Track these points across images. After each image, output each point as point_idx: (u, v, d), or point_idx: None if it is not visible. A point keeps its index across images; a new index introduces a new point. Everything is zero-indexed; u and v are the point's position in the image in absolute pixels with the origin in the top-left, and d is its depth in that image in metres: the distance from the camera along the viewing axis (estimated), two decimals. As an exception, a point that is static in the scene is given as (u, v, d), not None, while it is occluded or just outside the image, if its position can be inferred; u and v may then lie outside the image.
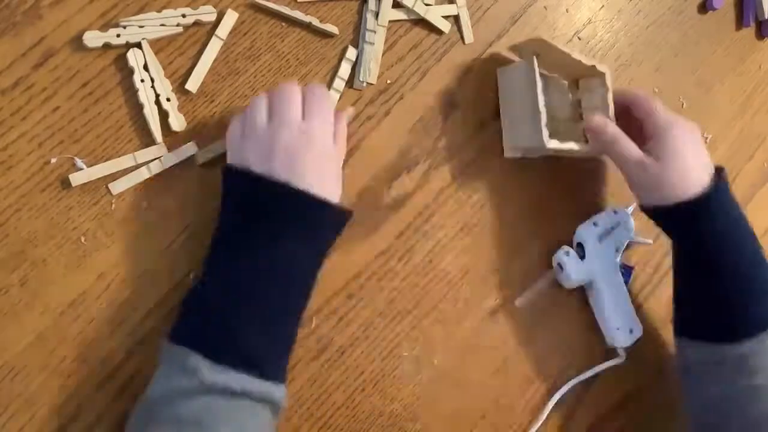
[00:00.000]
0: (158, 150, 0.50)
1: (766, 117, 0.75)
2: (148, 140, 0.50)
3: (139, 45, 0.49)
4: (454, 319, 0.58)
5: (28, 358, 0.47)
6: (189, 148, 0.50)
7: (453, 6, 0.59)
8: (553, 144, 0.55)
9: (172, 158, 0.50)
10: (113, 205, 0.49)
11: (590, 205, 0.64)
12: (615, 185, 0.66)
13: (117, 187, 0.49)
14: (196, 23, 0.51)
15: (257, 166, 0.45)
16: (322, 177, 0.46)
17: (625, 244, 0.63)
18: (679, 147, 0.53)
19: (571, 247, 0.61)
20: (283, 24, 0.54)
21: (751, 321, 0.52)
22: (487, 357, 0.59)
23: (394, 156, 0.57)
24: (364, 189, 0.56)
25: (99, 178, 0.49)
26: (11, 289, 0.47)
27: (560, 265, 0.60)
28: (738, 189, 0.72)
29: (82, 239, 0.48)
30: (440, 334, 0.57)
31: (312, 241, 0.46)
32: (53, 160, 0.48)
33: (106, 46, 0.49)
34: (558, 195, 0.63)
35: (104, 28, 0.49)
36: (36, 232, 0.47)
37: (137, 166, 0.49)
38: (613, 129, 0.55)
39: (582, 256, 0.60)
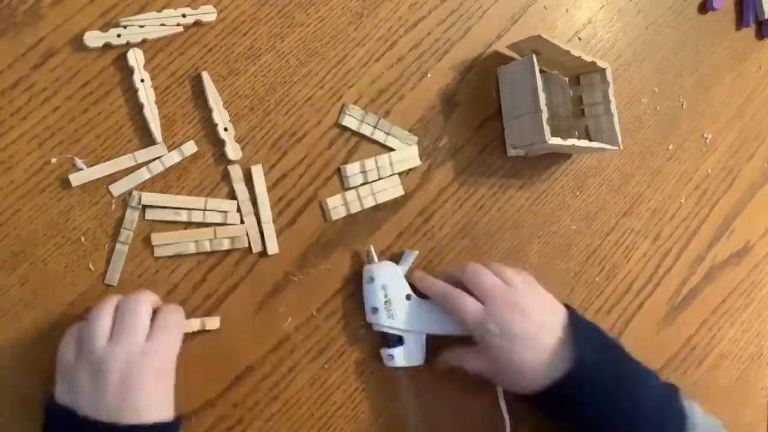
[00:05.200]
0: (158, 150, 0.50)
1: (766, 117, 0.75)
2: (148, 140, 0.50)
3: (139, 44, 0.49)
4: (455, 319, 0.58)
5: (29, 358, 0.47)
6: (189, 147, 0.50)
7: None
8: (555, 141, 0.55)
9: (172, 158, 0.50)
10: (113, 205, 0.49)
11: (591, 204, 0.65)
12: (615, 181, 0.66)
13: (117, 187, 0.49)
14: (197, 23, 0.51)
15: (86, 398, 0.41)
16: (159, 397, 0.43)
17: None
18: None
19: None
20: (283, 24, 0.54)
21: None
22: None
23: (394, 156, 0.57)
24: (365, 189, 0.56)
25: (99, 178, 0.49)
26: (11, 289, 0.47)
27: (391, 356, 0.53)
28: (738, 189, 0.72)
29: (82, 239, 0.48)
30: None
31: None
32: (53, 160, 0.48)
33: (107, 46, 0.49)
34: (559, 194, 0.63)
35: (104, 28, 0.49)
36: (36, 232, 0.47)
37: (137, 166, 0.49)
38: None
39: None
